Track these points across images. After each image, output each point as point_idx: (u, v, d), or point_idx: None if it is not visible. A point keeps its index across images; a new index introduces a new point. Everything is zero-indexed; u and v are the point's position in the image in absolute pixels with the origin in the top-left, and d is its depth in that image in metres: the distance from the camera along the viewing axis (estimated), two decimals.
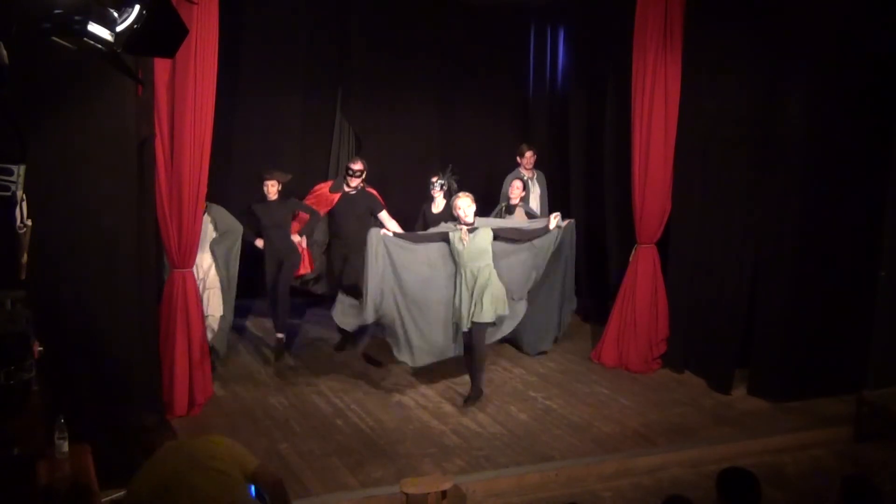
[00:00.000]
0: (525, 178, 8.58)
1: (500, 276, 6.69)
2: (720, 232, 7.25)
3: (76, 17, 2.96)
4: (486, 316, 6.55)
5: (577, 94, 9.22)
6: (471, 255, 6.60)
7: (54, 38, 3.05)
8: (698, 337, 7.43)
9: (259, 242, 7.59)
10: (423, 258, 6.77)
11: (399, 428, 6.22)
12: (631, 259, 7.62)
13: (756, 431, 6.34)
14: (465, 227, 6.63)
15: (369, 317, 6.67)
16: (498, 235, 6.78)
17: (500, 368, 7.58)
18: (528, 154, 8.66)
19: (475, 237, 6.63)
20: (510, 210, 8.12)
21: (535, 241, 7.06)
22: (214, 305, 6.99)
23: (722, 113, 7.15)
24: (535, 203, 8.65)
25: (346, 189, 7.78)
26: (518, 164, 8.71)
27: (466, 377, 7.28)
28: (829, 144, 6.69)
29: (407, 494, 4.63)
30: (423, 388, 7.04)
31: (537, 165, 8.84)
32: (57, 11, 2.93)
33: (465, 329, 6.67)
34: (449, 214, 7.44)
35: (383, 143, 9.36)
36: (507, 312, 6.76)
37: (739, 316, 7.09)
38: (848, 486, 3.75)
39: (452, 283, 6.75)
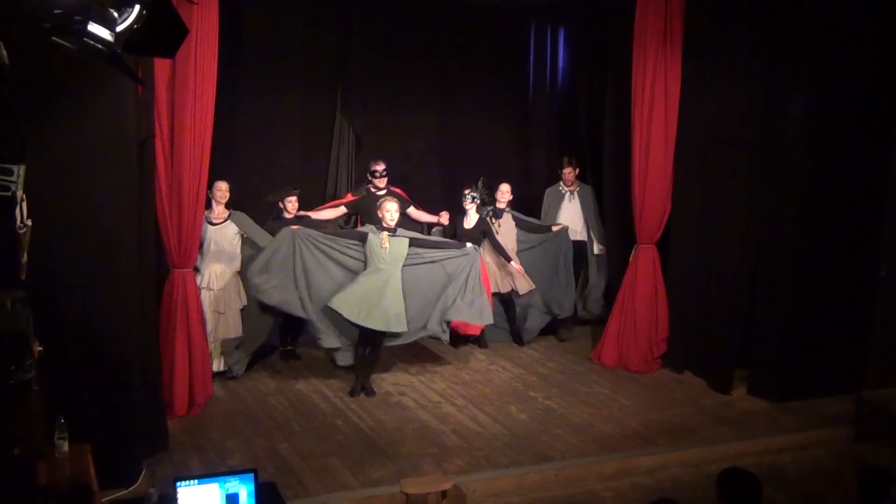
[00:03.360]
0: (563, 191, 8.65)
1: (403, 290, 6.78)
2: (720, 232, 7.25)
3: (76, 17, 2.95)
4: (391, 325, 6.65)
5: (577, 94, 9.22)
6: (387, 260, 6.72)
7: (54, 38, 3.05)
8: (698, 337, 7.43)
9: None
10: (337, 258, 6.85)
11: (399, 428, 6.22)
12: (631, 259, 7.62)
13: (756, 431, 6.35)
14: (385, 233, 6.75)
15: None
16: (414, 243, 6.90)
17: (500, 368, 7.59)
18: (568, 170, 8.64)
19: (394, 244, 6.75)
20: (497, 214, 8.01)
21: (447, 265, 6.99)
22: (232, 326, 7.02)
23: (722, 113, 7.16)
24: (566, 218, 8.55)
25: (373, 190, 7.82)
26: (559, 178, 8.75)
27: (466, 377, 7.32)
28: (828, 144, 6.70)
29: (407, 494, 4.63)
30: (423, 388, 7.04)
31: (550, 178, 8.82)
32: (57, 11, 2.92)
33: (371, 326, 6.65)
34: (481, 229, 7.49)
35: (383, 143, 9.33)
36: (403, 329, 6.75)
37: (739, 316, 7.10)
38: (866, 477, 3.75)
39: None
